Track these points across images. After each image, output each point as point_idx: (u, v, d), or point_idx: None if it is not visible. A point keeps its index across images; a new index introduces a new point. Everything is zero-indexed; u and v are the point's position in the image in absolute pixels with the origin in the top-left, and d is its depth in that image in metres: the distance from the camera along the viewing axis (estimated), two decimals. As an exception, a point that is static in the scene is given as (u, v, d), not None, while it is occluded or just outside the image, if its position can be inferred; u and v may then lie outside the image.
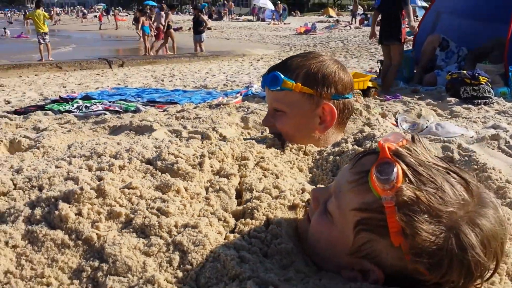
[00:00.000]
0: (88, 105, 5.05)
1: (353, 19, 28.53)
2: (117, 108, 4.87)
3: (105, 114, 4.49)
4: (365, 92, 5.13)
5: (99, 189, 1.03)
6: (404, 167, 0.82)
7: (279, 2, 37.80)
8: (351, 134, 1.63)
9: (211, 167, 1.25)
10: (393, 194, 0.79)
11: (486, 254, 0.80)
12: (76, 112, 4.80)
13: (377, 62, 7.47)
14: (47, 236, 0.95)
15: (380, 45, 6.54)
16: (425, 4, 24.40)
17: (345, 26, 25.15)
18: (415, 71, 6.84)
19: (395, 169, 0.80)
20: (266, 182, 1.20)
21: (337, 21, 28.46)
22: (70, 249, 0.93)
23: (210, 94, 5.71)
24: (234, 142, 1.43)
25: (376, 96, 5.16)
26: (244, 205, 1.11)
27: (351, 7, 34.15)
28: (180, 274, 0.88)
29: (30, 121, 4.31)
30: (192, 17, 17.53)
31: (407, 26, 6.09)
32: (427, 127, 3.23)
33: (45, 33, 13.46)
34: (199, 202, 1.11)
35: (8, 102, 6.09)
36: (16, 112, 5.01)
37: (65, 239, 0.94)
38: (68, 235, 0.95)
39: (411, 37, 8.04)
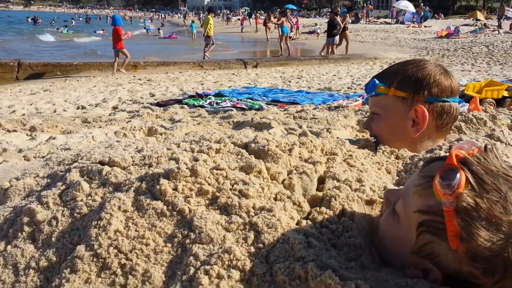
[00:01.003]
0: (218, 101, 5.47)
1: (500, 23, 25.74)
2: (243, 106, 5.20)
3: (232, 110, 4.83)
4: (500, 102, 4.68)
5: (193, 169, 1.19)
6: (469, 174, 0.83)
7: (421, 4, 35.90)
8: (448, 142, 1.57)
9: (300, 154, 1.35)
10: (453, 199, 0.81)
11: None
12: (208, 107, 5.25)
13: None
14: (150, 205, 1.13)
15: None
16: None
17: (493, 31, 22.87)
18: None
19: (458, 176, 0.82)
20: (350, 174, 1.26)
21: (485, 24, 25.96)
22: (166, 218, 1.10)
23: (331, 96, 5.76)
24: (326, 139, 1.50)
25: None
26: (323, 192, 1.18)
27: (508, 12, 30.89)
28: (253, 250, 0.99)
29: (168, 112, 4.85)
30: (328, 20, 17.69)
31: None
32: None
33: (209, 36, 15.00)
34: (280, 183, 1.21)
35: (153, 95, 6.88)
36: (158, 104, 5.66)
37: (163, 209, 1.12)
38: (166, 206, 1.13)
39: None
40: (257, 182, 1.21)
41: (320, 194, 1.20)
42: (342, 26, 15.59)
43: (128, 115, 4.80)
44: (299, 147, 1.39)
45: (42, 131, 3.79)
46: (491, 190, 0.82)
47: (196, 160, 1.24)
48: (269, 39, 23.53)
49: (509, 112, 4.53)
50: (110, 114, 5.05)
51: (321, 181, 1.28)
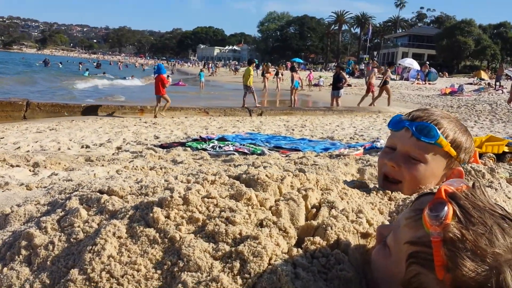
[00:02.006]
0: (221, 145, 5.55)
1: (498, 83, 26.25)
2: (245, 150, 5.27)
3: (234, 154, 4.90)
4: (500, 157, 4.74)
5: (185, 198, 1.23)
6: (456, 207, 0.87)
7: (427, 63, 36.83)
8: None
9: (291, 183, 1.38)
10: (440, 230, 0.84)
11: None
12: (210, 150, 5.32)
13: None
14: (143, 232, 1.16)
15: None
16: None
17: (497, 90, 23.29)
18: None
19: (445, 208, 0.86)
20: (347, 204, 1.29)
21: (489, 84, 26.48)
22: (158, 245, 1.13)
23: (334, 144, 5.83)
24: (321, 175, 1.54)
25: None
26: (318, 220, 1.20)
27: (507, 71, 31.54)
28: (239, 280, 1.00)
29: (171, 154, 4.91)
30: (333, 73, 18.25)
31: None
32: None
33: (250, 86, 15.65)
34: (267, 209, 1.24)
35: (157, 137, 6.99)
36: (161, 146, 5.75)
37: (155, 236, 1.14)
38: (158, 233, 1.15)
39: None
40: (244, 209, 1.23)
41: (315, 223, 1.21)
42: (384, 79, 16.26)
43: (131, 155, 4.87)
44: (292, 178, 1.42)
45: (45, 167, 3.84)
46: (477, 223, 0.85)
47: (189, 189, 1.28)
48: (267, 88, 24.41)
49: (509, 167, 4.58)
50: (113, 154, 5.12)
51: (316, 208, 1.31)
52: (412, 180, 1.58)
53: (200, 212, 1.19)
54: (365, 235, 1.20)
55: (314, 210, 1.31)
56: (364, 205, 1.42)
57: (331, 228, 1.16)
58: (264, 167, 1.48)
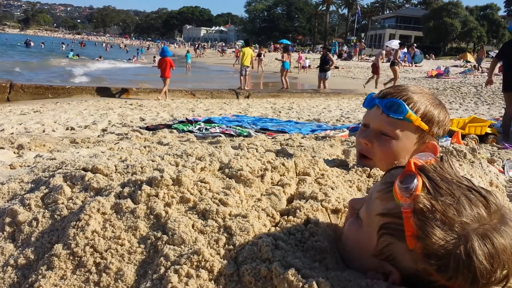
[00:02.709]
0: (208, 127, 5.55)
1: (479, 65, 26.38)
2: (232, 132, 5.28)
3: (220, 136, 4.90)
4: (482, 138, 4.83)
5: (177, 179, 1.25)
6: (425, 179, 0.91)
7: (414, 45, 36.90)
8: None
9: (272, 179, 1.41)
10: (411, 201, 0.88)
11: (493, 265, 0.84)
12: (196, 132, 5.32)
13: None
14: (128, 208, 1.18)
15: (504, 93, 6.36)
16: None
17: (482, 72, 23.49)
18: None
19: (415, 180, 0.90)
20: (317, 190, 1.32)
21: (474, 66, 26.68)
22: (143, 221, 1.15)
23: (320, 126, 5.87)
24: (300, 158, 1.57)
25: (494, 144, 4.82)
26: (289, 206, 1.24)
27: (492, 53, 31.73)
28: (222, 251, 1.03)
29: (157, 136, 4.90)
30: (321, 55, 18.18)
31: None
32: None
33: (247, 67, 15.52)
34: (254, 201, 1.27)
35: (143, 120, 6.95)
36: (147, 128, 5.72)
37: (141, 213, 1.17)
38: (144, 210, 1.18)
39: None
40: (237, 195, 1.27)
41: (287, 207, 1.26)
42: (392, 61, 16.31)
43: (116, 137, 4.85)
44: (271, 172, 1.44)
45: (30, 149, 3.82)
46: (445, 194, 0.89)
47: (181, 171, 1.30)
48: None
49: (491, 148, 4.68)
50: (98, 136, 5.09)
51: (290, 201, 1.35)
52: (385, 156, 1.61)
53: (192, 194, 1.22)
54: (335, 211, 1.25)
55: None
56: (340, 184, 1.46)
57: (300, 210, 1.21)
58: (247, 158, 1.50)
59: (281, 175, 1.44)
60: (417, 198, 0.88)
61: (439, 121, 1.62)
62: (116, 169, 1.42)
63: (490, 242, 0.85)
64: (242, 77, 15.43)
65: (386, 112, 1.59)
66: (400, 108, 1.57)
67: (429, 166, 0.94)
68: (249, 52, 15.79)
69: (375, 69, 17.25)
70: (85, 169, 1.41)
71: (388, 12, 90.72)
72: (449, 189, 0.90)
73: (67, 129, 5.96)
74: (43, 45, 57.17)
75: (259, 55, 26.41)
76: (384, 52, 18.29)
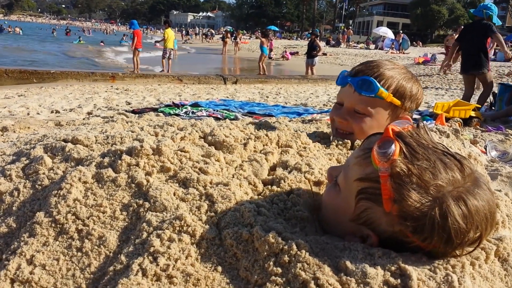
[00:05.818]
0: (194, 111, 5.52)
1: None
2: (218, 116, 5.26)
3: (207, 118, 4.89)
4: (467, 122, 4.88)
5: (157, 148, 1.25)
6: (402, 145, 0.93)
7: (401, 32, 36.97)
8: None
9: (254, 148, 1.42)
10: (388, 166, 0.90)
11: (467, 225, 0.87)
12: (183, 116, 5.29)
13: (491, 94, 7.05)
14: (110, 177, 1.18)
15: (463, 75, 7.00)
16: None
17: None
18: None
19: (393, 145, 0.92)
20: (300, 161, 1.34)
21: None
22: (124, 189, 1.15)
23: (306, 110, 5.88)
24: (283, 131, 1.58)
25: (478, 127, 4.88)
26: (273, 175, 1.25)
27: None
28: (204, 217, 1.04)
29: (142, 119, 4.86)
30: (308, 41, 18.12)
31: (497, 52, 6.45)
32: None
33: (171, 49, 15.16)
34: (235, 168, 1.28)
35: (129, 103, 6.90)
36: (133, 112, 5.67)
37: (122, 182, 1.17)
38: (125, 179, 1.18)
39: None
40: (217, 164, 1.27)
41: (270, 177, 1.27)
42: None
43: (102, 120, 4.79)
44: (254, 141, 1.45)
45: (14, 131, 3.76)
46: (421, 159, 0.91)
47: (160, 141, 1.30)
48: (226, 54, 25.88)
49: (475, 131, 4.74)
50: (84, 119, 5.04)
51: (273, 169, 1.36)
52: (361, 132, 1.64)
53: (172, 163, 1.22)
54: (317, 183, 1.26)
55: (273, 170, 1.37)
56: (321, 156, 1.47)
57: (284, 181, 1.22)
58: (230, 129, 1.50)
59: (264, 145, 1.45)
60: (394, 162, 0.90)
61: (412, 95, 1.63)
62: (96, 140, 1.41)
63: (464, 204, 0.87)
64: (164, 60, 15.22)
65: (358, 91, 1.61)
66: (372, 86, 1.59)
67: (406, 132, 0.96)
68: (172, 34, 15.59)
69: None
70: (65, 140, 1.40)
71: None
72: (425, 154, 0.92)
73: (52, 112, 5.89)
74: (20, 30, 54.68)
75: (235, 38, 27.18)
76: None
